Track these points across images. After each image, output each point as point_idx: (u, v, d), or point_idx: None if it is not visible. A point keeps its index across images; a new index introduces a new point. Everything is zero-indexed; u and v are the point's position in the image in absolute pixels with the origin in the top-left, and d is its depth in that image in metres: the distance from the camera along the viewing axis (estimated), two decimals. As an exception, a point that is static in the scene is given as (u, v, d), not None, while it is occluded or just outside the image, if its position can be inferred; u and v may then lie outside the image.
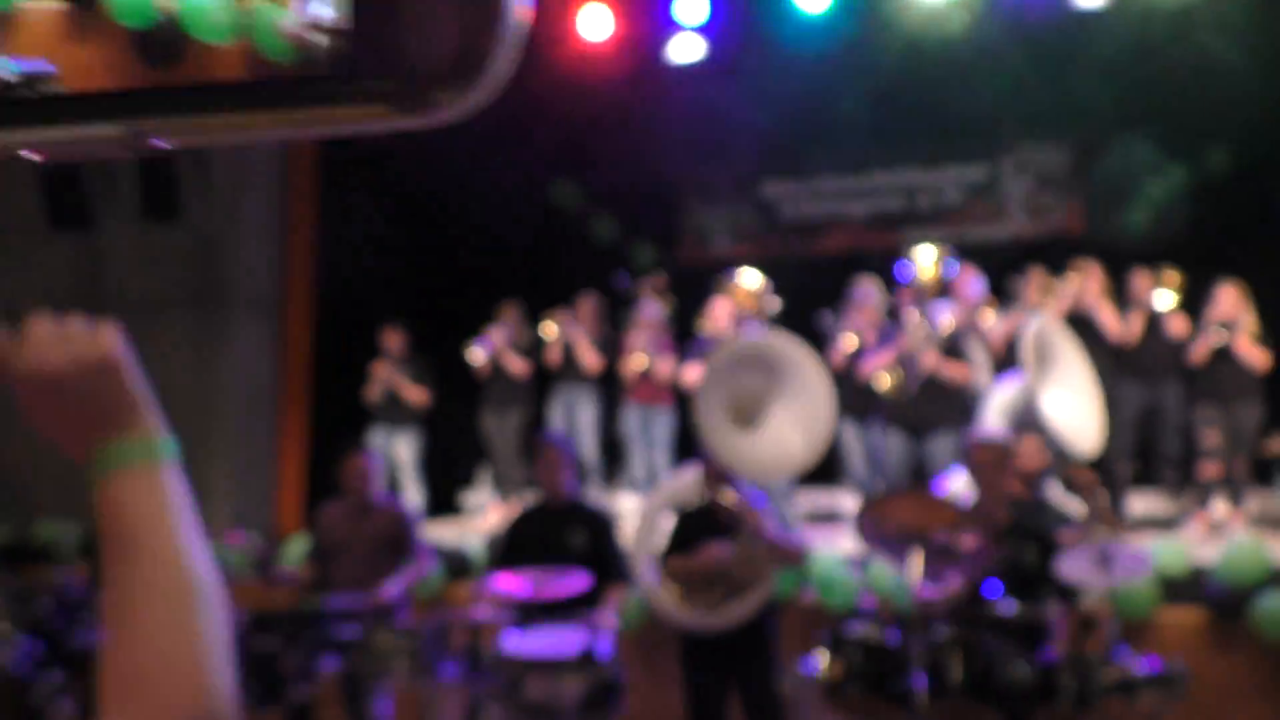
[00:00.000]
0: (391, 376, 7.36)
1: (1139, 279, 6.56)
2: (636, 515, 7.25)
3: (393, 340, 7.47)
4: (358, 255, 8.36)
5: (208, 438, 7.48)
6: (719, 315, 6.23)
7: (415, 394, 7.37)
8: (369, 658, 3.99)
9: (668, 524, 4.67)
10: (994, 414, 5.01)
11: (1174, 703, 3.38)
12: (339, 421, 7.67)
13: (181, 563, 0.83)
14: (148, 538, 0.83)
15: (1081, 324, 6.17)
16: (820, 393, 4.70)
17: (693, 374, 6.22)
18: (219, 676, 0.79)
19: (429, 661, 3.97)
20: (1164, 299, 6.47)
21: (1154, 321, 6.43)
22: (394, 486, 7.25)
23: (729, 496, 4.25)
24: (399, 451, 7.38)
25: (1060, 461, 5.06)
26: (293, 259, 8.00)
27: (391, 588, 4.68)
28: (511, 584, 4.17)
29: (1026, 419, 4.61)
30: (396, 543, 5.01)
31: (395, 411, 7.39)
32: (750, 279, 6.03)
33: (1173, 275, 6.67)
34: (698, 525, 4.42)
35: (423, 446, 7.47)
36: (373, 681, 4.46)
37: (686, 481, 4.82)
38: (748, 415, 4.75)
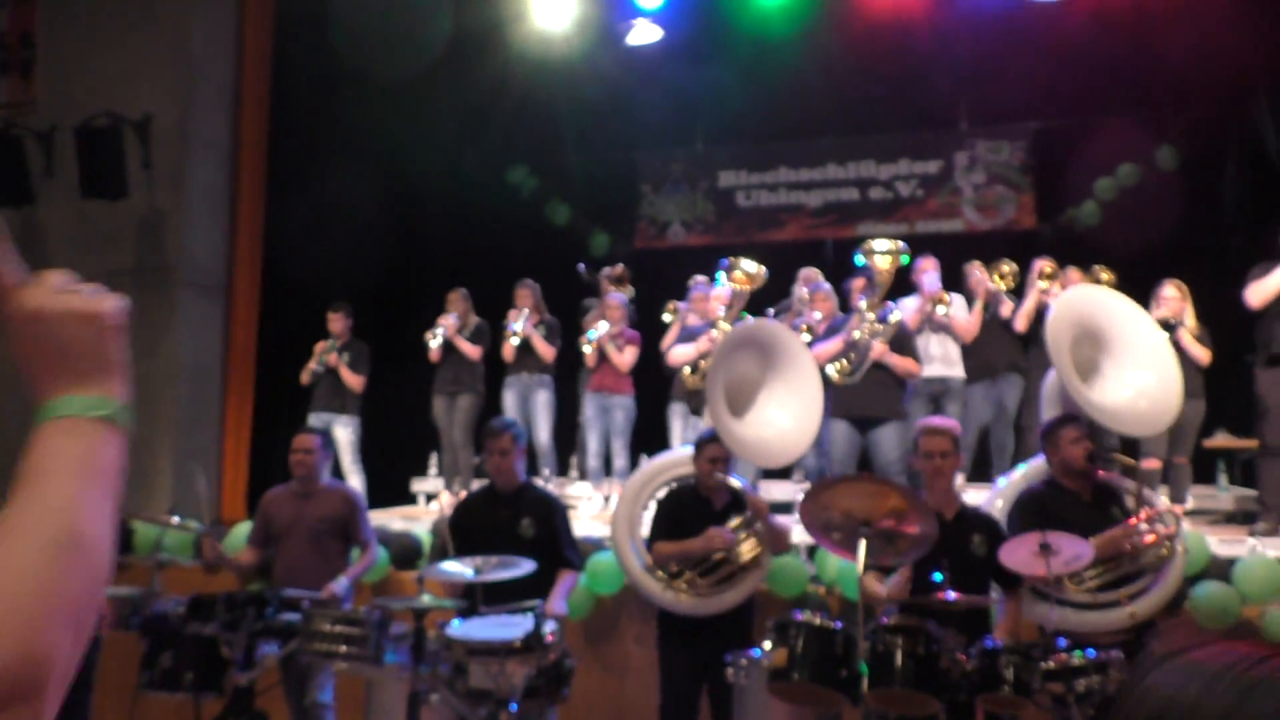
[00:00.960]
0: (331, 359, 7.25)
1: (1073, 277, 6.64)
2: (590, 502, 7.26)
3: (335, 323, 7.36)
4: (308, 236, 8.23)
5: (150, 421, 7.32)
6: (718, 298, 6.19)
7: (353, 379, 7.27)
8: (312, 644, 3.92)
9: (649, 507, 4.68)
10: (1047, 404, 5.04)
11: (1112, 689, 3.43)
12: (287, 406, 7.56)
13: (64, 517, 0.82)
14: (45, 483, 0.84)
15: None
16: (813, 380, 4.84)
17: (680, 355, 6.17)
18: (51, 632, 0.76)
19: (373, 648, 3.92)
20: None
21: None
22: (336, 474, 7.16)
23: (732, 481, 4.30)
24: (338, 438, 7.28)
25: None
26: (240, 239, 7.85)
27: (337, 587, 4.63)
28: (458, 570, 4.14)
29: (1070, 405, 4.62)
30: (343, 527, 4.95)
31: (334, 396, 7.29)
32: (749, 264, 5.99)
33: (1105, 271, 6.78)
34: (689, 508, 4.41)
35: (361, 432, 7.36)
36: (315, 668, 4.41)
37: (672, 464, 4.79)
38: (748, 399, 4.79)
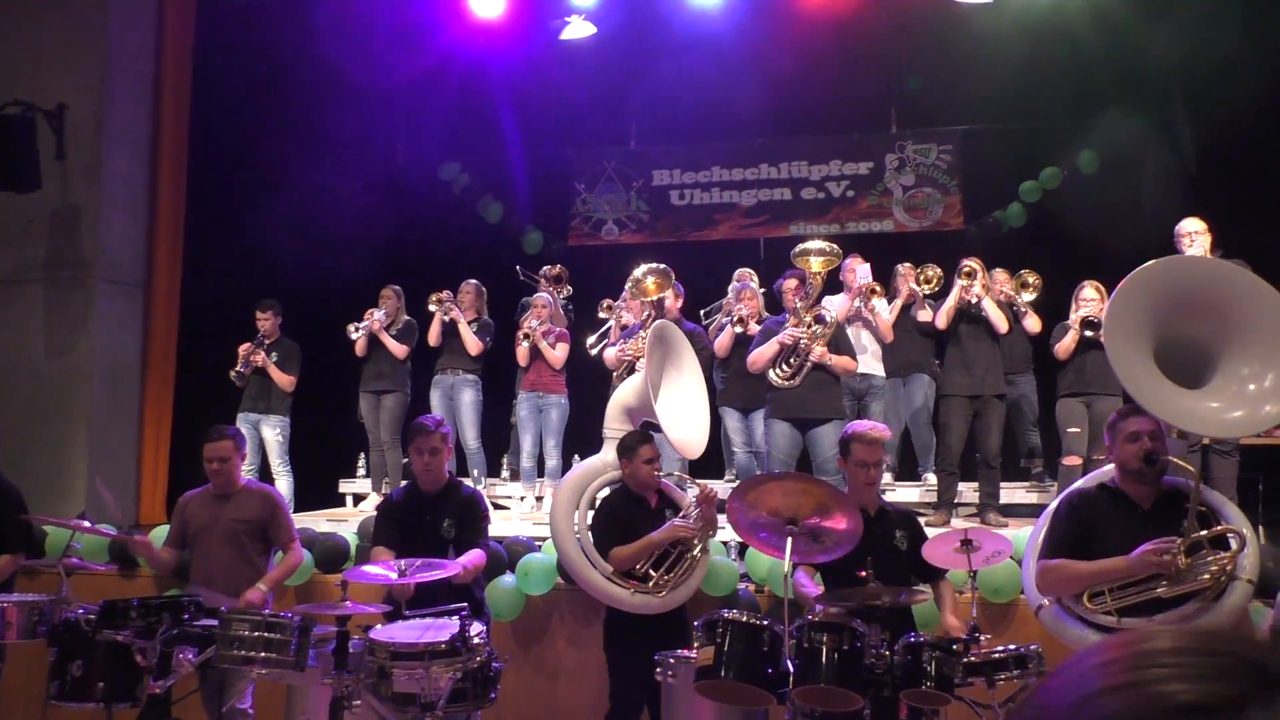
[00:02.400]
0: (258, 359, 7.08)
1: (999, 278, 6.78)
2: (522, 503, 7.20)
3: (264, 321, 7.18)
4: (231, 232, 8.04)
5: (65, 421, 7.08)
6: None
7: (282, 378, 7.11)
8: (230, 650, 3.81)
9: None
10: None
11: (1032, 682, 3.49)
12: (208, 406, 7.36)
13: None
14: None
15: (971, 320, 6.34)
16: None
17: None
18: None
19: (293, 653, 3.82)
20: (1024, 297, 6.73)
21: (1013, 317, 6.68)
22: (264, 474, 7.00)
23: (676, 479, 4.34)
24: (266, 438, 7.12)
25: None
26: (160, 234, 7.62)
27: (254, 595, 4.52)
28: (382, 572, 4.06)
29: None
30: (263, 529, 4.83)
31: (262, 396, 7.12)
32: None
33: (1032, 275, 6.92)
34: (630, 511, 4.41)
35: (289, 433, 7.20)
36: (234, 674, 4.29)
37: (594, 472, 4.75)
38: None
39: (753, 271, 7.33)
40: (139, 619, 4.03)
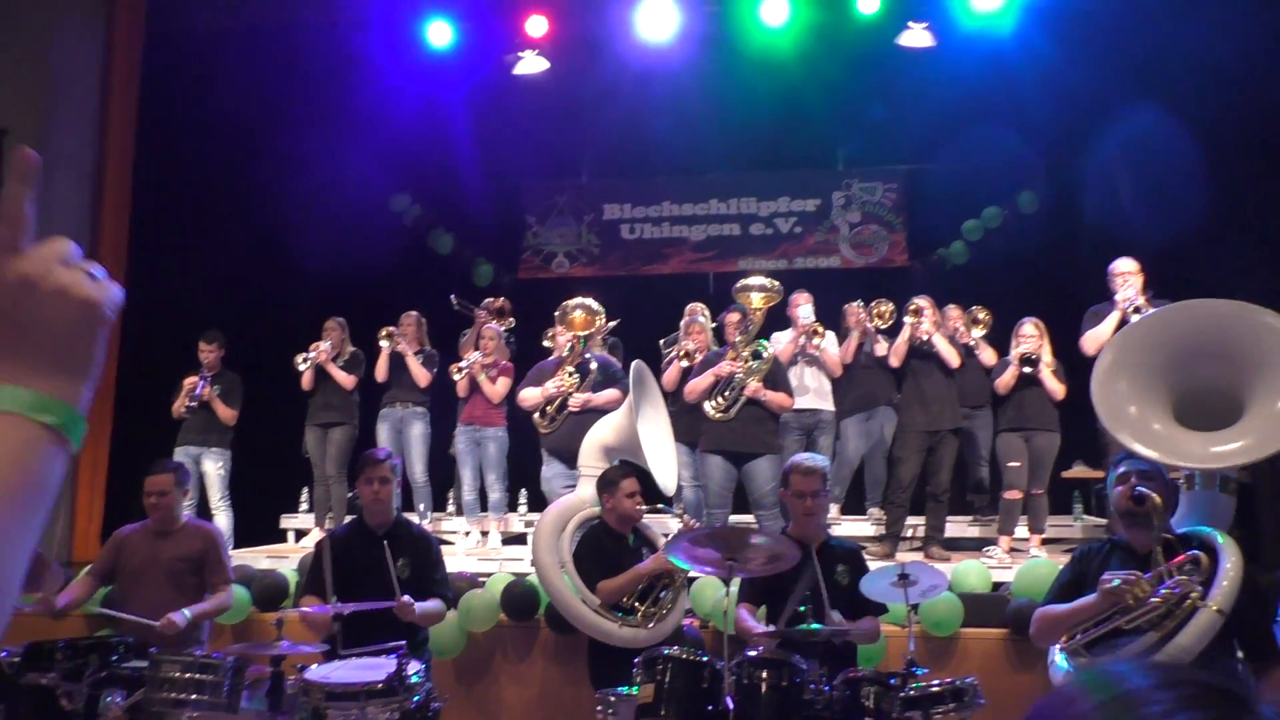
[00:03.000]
0: (201, 391, 6.96)
1: (952, 314, 6.90)
2: (467, 538, 7.12)
3: (207, 353, 7.07)
4: (176, 261, 7.92)
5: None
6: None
7: (225, 411, 7.00)
8: (160, 692, 3.71)
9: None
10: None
11: (968, 715, 3.52)
12: (145, 440, 7.22)
13: None
14: None
15: (923, 356, 6.43)
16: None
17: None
18: None
19: (226, 694, 3.73)
20: (974, 333, 6.86)
21: (967, 352, 6.79)
22: (203, 509, 6.87)
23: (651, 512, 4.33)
24: (207, 472, 6.98)
25: None
26: (101, 261, 7.38)
27: (177, 616, 4.39)
28: (322, 609, 4.00)
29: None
30: (201, 567, 4.72)
31: (204, 429, 7.00)
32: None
33: (983, 311, 7.06)
34: (612, 547, 4.42)
35: (232, 467, 7.07)
36: (166, 716, 4.18)
37: (573, 508, 4.73)
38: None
39: (704, 306, 7.39)
40: (65, 661, 3.91)
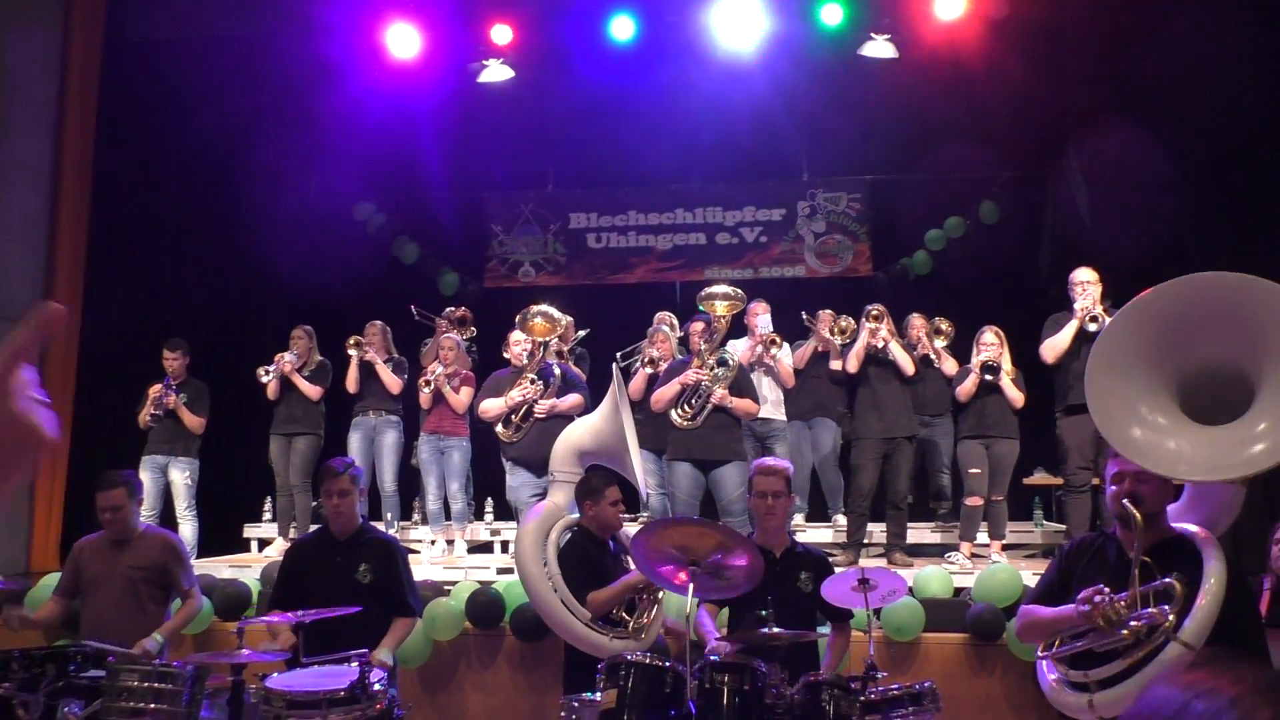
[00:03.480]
0: (170, 401, 6.89)
1: (915, 323, 6.99)
2: (433, 546, 7.09)
3: (172, 361, 7.00)
4: (136, 268, 7.84)
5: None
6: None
7: (192, 420, 6.93)
8: (118, 701, 3.67)
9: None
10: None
11: (928, 717, 3.56)
12: (105, 449, 7.13)
13: None
14: None
15: (880, 363, 6.49)
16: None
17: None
18: None
19: (185, 704, 3.70)
20: (937, 343, 6.96)
21: (927, 362, 6.88)
22: (169, 518, 6.79)
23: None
24: (174, 481, 6.91)
25: None
26: (59, 269, 7.39)
27: (150, 644, 4.36)
28: (285, 619, 3.97)
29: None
30: (162, 576, 4.68)
31: (170, 439, 6.92)
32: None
33: (945, 322, 7.15)
34: (596, 555, 4.32)
35: (198, 476, 7.00)
36: (123, 727, 4.13)
37: (563, 505, 4.58)
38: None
39: (671, 315, 7.43)
40: (21, 671, 3.87)
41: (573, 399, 6.11)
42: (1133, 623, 2.91)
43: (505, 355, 6.72)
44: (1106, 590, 2.97)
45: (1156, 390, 2.98)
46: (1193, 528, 3.14)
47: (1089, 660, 3.02)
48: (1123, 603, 2.94)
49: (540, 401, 6.08)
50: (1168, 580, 2.94)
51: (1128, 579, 2.98)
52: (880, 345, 6.47)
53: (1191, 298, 2.97)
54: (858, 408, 6.63)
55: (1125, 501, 3.02)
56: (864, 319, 6.56)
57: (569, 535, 4.49)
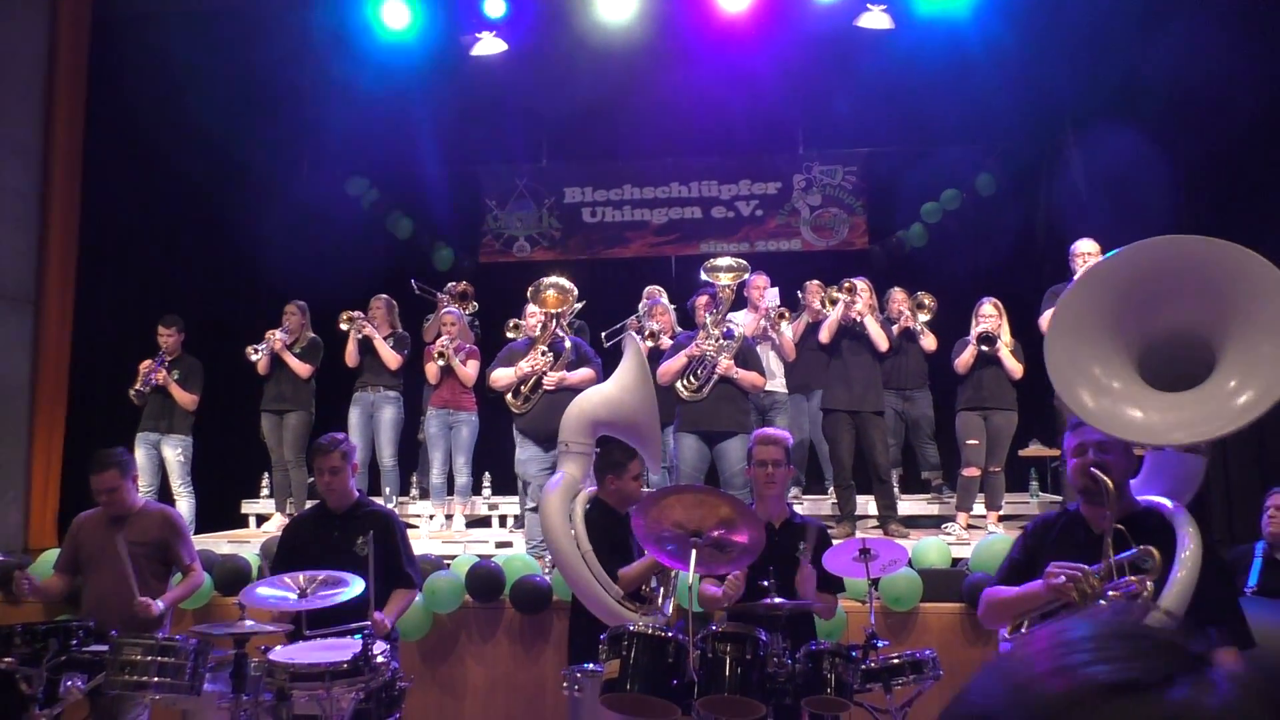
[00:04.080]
0: (159, 377, 6.87)
1: (896, 296, 6.98)
2: (432, 521, 7.10)
3: (167, 338, 6.98)
4: (129, 246, 7.80)
5: (-53, 442, 6.77)
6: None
7: (184, 396, 6.91)
8: (121, 674, 3.68)
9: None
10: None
11: (927, 687, 3.59)
12: (102, 425, 7.12)
13: None
14: None
15: (854, 336, 6.47)
16: None
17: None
18: None
19: (189, 676, 3.71)
20: (920, 316, 6.95)
21: (909, 336, 6.88)
22: (165, 494, 6.79)
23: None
24: (167, 458, 6.90)
25: None
26: (51, 248, 7.34)
27: (155, 606, 4.37)
28: (280, 595, 3.97)
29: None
30: (163, 551, 4.68)
31: (164, 415, 6.91)
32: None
33: (928, 297, 7.13)
34: (617, 529, 4.23)
35: (192, 453, 6.99)
36: (126, 700, 4.15)
37: (578, 477, 4.37)
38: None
39: (661, 289, 7.40)
40: (23, 645, 3.88)
41: (583, 373, 6.08)
42: (1110, 593, 2.78)
43: (511, 335, 6.69)
44: (1080, 566, 2.83)
45: (1120, 357, 2.87)
46: (1160, 499, 3.06)
47: None
48: (1096, 575, 2.81)
49: (550, 374, 6.04)
50: (1146, 547, 2.82)
51: (1100, 553, 2.86)
52: (857, 319, 6.40)
53: (1151, 262, 2.88)
54: (828, 380, 6.54)
55: (1094, 470, 2.90)
56: (838, 290, 6.49)
57: (585, 509, 4.35)
